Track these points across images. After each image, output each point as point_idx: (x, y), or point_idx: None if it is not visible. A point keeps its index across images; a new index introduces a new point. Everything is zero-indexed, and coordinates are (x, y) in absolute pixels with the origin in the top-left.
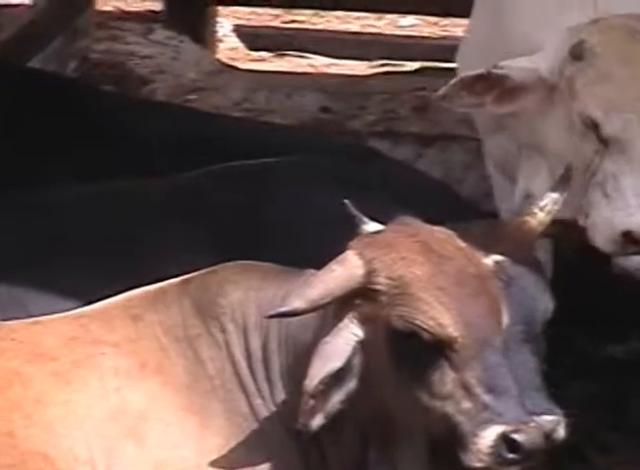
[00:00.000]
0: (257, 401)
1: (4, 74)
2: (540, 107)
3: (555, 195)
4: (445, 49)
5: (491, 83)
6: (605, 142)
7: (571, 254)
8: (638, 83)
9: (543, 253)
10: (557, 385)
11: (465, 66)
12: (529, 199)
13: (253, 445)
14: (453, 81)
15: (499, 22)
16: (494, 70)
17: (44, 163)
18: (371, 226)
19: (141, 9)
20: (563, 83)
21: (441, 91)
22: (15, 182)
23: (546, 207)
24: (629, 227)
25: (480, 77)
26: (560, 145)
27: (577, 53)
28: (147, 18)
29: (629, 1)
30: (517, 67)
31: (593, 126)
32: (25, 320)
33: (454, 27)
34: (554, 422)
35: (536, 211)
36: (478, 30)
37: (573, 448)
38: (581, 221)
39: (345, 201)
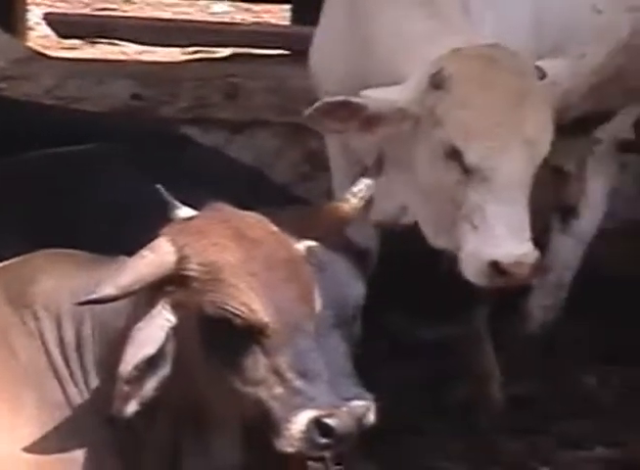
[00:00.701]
0: (72, 389)
1: None
2: (405, 138)
3: (368, 181)
4: (257, 35)
5: (352, 111)
6: (468, 171)
7: (390, 241)
8: (497, 110)
9: (368, 239)
10: (371, 369)
11: (318, 62)
12: (404, 210)
13: (66, 433)
14: (317, 105)
15: (360, 34)
16: (354, 99)
17: None
18: (184, 212)
19: None
20: (425, 114)
21: (307, 112)
22: None
23: (359, 193)
24: (496, 258)
25: (341, 104)
26: (426, 178)
27: (437, 82)
28: None
29: (499, 34)
30: (376, 97)
31: (455, 155)
32: None
33: (265, 14)
34: (364, 407)
35: (349, 196)
36: (334, 30)
37: (388, 432)
38: (456, 253)
39: (158, 186)
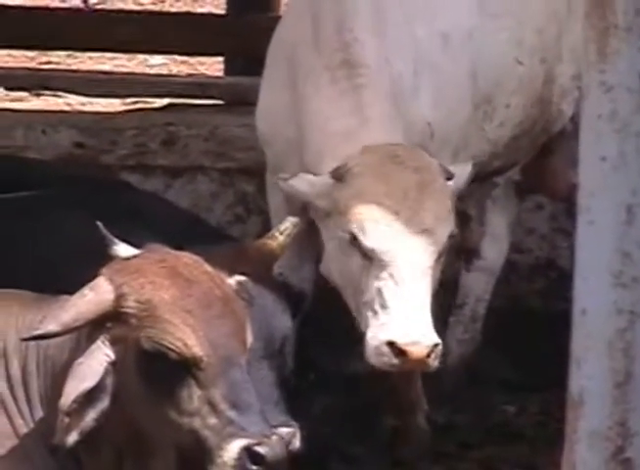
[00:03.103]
0: (19, 422)
1: None
2: (320, 225)
3: (294, 219)
4: (192, 86)
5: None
6: (368, 257)
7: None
8: (393, 199)
9: (304, 282)
10: (302, 399)
11: (264, 126)
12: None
13: (14, 463)
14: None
15: (298, 116)
16: (280, 182)
17: None
18: (122, 248)
19: None
20: (332, 206)
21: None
22: None
23: (286, 230)
24: (393, 337)
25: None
26: (334, 267)
27: (338, 175)
28: None
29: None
30: (291, 184)
31: (355, 242)
32: None
33: (200, 66)
34: (290, 434)
35: (277, 234)
36: (278, 100)
37: (317, 459)
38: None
39: (98, 223)
